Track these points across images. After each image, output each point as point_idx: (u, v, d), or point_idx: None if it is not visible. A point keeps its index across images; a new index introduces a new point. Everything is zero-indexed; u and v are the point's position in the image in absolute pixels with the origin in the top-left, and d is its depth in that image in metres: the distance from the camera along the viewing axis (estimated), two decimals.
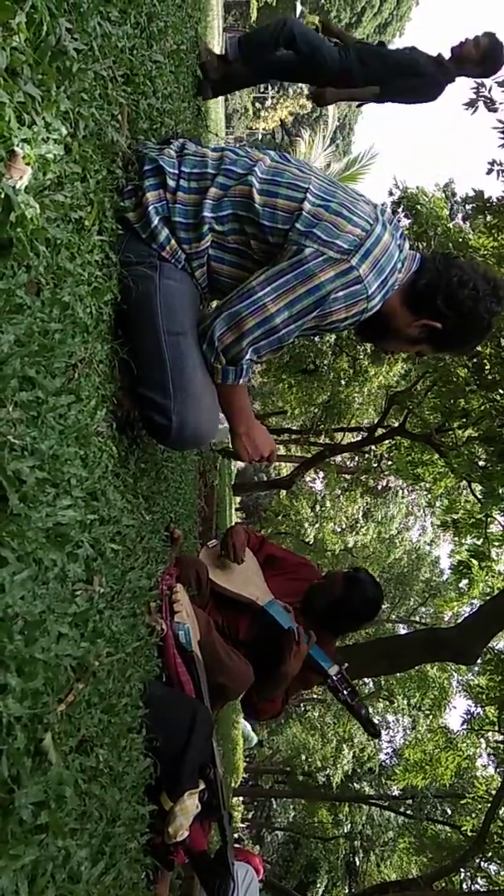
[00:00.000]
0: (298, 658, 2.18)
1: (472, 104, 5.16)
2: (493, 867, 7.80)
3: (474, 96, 5.10)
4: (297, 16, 30.61)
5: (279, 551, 2.64)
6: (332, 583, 2.40)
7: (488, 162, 5.61)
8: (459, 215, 8.35)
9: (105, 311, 1.30)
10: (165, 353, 1.48)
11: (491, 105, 5.06)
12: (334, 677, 2.21)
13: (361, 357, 9.80)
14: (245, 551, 2.40)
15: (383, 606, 2.56)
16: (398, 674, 12.69)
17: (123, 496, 1.42)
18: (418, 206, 7.33)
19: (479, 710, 9.25)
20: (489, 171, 5.61)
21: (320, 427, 11.97)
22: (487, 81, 5.05)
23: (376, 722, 2.39)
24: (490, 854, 7.29)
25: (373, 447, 11.09)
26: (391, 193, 7.86)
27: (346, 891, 17.76)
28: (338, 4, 30.11)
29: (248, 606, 2.28)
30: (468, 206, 6.64)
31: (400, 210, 7.51)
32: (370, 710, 2.44)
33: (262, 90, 35.24)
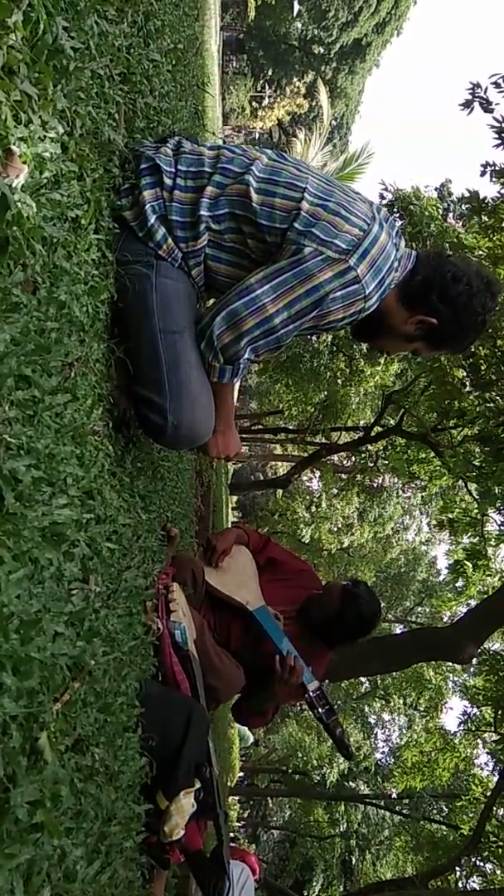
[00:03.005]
0: (289, 686, 2.15)
1: (467, 105, 5.17)
2: (488, 866, 7.82)
3: (470, 97, 5.11)
4: (295, 14, 30.61)
5: (281, 554, 2.60)
6: (329, 596, 2.34)
7: (481, 164, 5.63)
8: (451, 215, 8.36)
9: (101, 309, 1.30)
10: (162, 351, 1.48)
11: (487, 106, 5.07)
12: (311, 693, 2.16)
13: (358, 357, 9.82)
14: (226, 557, 2.36)
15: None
16: (394, 673, 12.73)
17: (120, 495, 1.42)
18: (411, 207, 7.34)
19: (475, 711, 9.26)
20: (483, 173, 5.63)
21: (317, 426, 11.99)
22: (484, 82, 5.07)
23: (350, 743, 2.35)
24: (486, 853, 7.30)
25: (369, 446, 11.10)
26: (382, 197, 7.83)
27: (342, 889, 17.77)
28: (335, 4, 30.05)
29: (239, 610, 2.27)
30: (464, 207, 6.65)
31: (394, 211, 7.50)
32: (346, 730, 2.37)
33: (259, 89, 35.24)
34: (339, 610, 2.30)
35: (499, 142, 5.18)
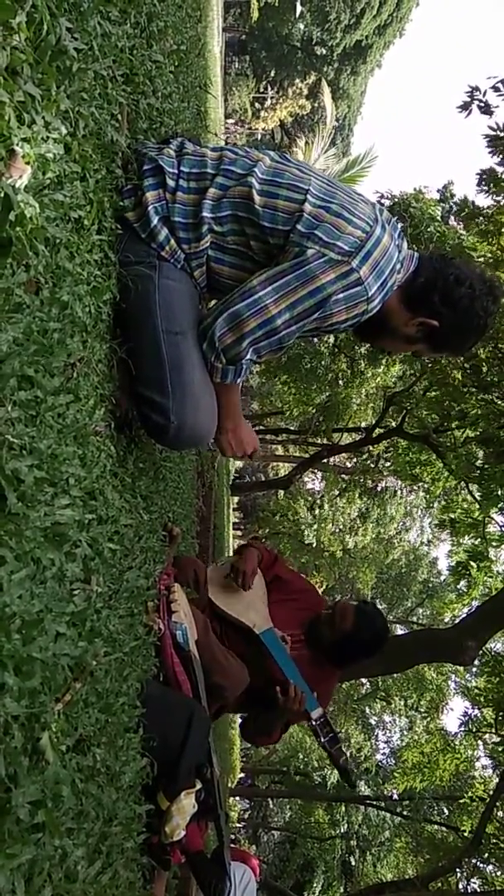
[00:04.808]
0: (292, 713, 2.18)
1: (465, 107, 5.16)
2: (489, 867, 7.81)
3: (468, 99, 5.11)
4: (297, 15, 30.64)
5: (287, 573, 2.59)
6: (343, 616, 2.34)
7: (477, 173, 5.66)
8: (452, 218, 8.38)
9: (104, 310, 1.30)
10: (164, 352, 1.48)
11: (486, 108, 5.06)
12: (315, 721, 2.18)
13: (359, 358, 9.81)
14: (254, 579, 2.35)
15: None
16: (395, 674, 12.71)
17: (122, 496, 1.42)
18: (412, 209, 7.35)
19: (476, 712, 9.25)
20: (479, 182, 5.65)
21: (318, 427, 11.98)
22: (483, 85, 5.07)
23: (352, 770, 2.36)
24: (486, 854, 7.29)
25: (370, 447, 11.10)
26: (381, 203, 7.86)
27: (342, 891, 17.74)
28: (337, 6, 30.06)
29: (246, 631, 2.26)
30: (460, 215, 6.69)
31: (395, 213, 7.52)
32: (349, 758, 2.41)
33: (261, 90, 35.27)
34: (353, 629, 2.31)
35: (491, 149, 5.23)
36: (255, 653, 2.24)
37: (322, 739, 2.18)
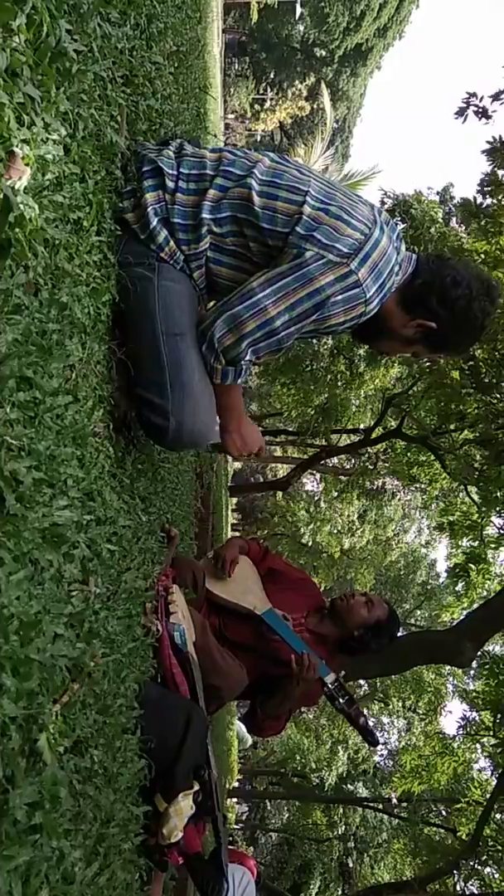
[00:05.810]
0: (307, 683, 2.19)
1: (461, 113, 5.18)
2: (486, 870, 7.81)
3: (464, 105, 5.13)
4: (297, 18, 30.70)
5: (281, 565, 2.63)
6: (378, 608, 2.40)
7: (477, 187, 5.71)
8: (453, 219, 8.40)
9: (103, 311, 1.30)
10: (163, 353, 1.48)
11: (483, 113, 5.09)
12: (330, 685, 2.20)
13: (358, 360, 9.82)
14: (235, 566, 2.39)
15: None
16: (393, 676, 12.71)
17: (120, 497, 1.42)
18: (412, 210, 7.36)
19: (475, 714, 9.25)
20: (480, 191, 5.70)
21: (317, 429, 11.99)
22: (481, 90, 5.10)
23: (374, 730, 2.38)
24: (484, 857, 7.29)
25: (369, 448, 11.10)
26: (383, 203, 7.87)
27: (340, 892, 17.75)
28: (336, 9, 30.10)
29: (248, 617, 2.28)
30: (459, 216, 6.72)
31: (395, 214, 7.53)
32: (368, 718, 2.43)
33: (260, 92, 35.32)
34: (385, 620, 2.38)
35: (490, 160, 5.29)
36: (259, 638, 2.26)
37: (340, 701, 2.20)
